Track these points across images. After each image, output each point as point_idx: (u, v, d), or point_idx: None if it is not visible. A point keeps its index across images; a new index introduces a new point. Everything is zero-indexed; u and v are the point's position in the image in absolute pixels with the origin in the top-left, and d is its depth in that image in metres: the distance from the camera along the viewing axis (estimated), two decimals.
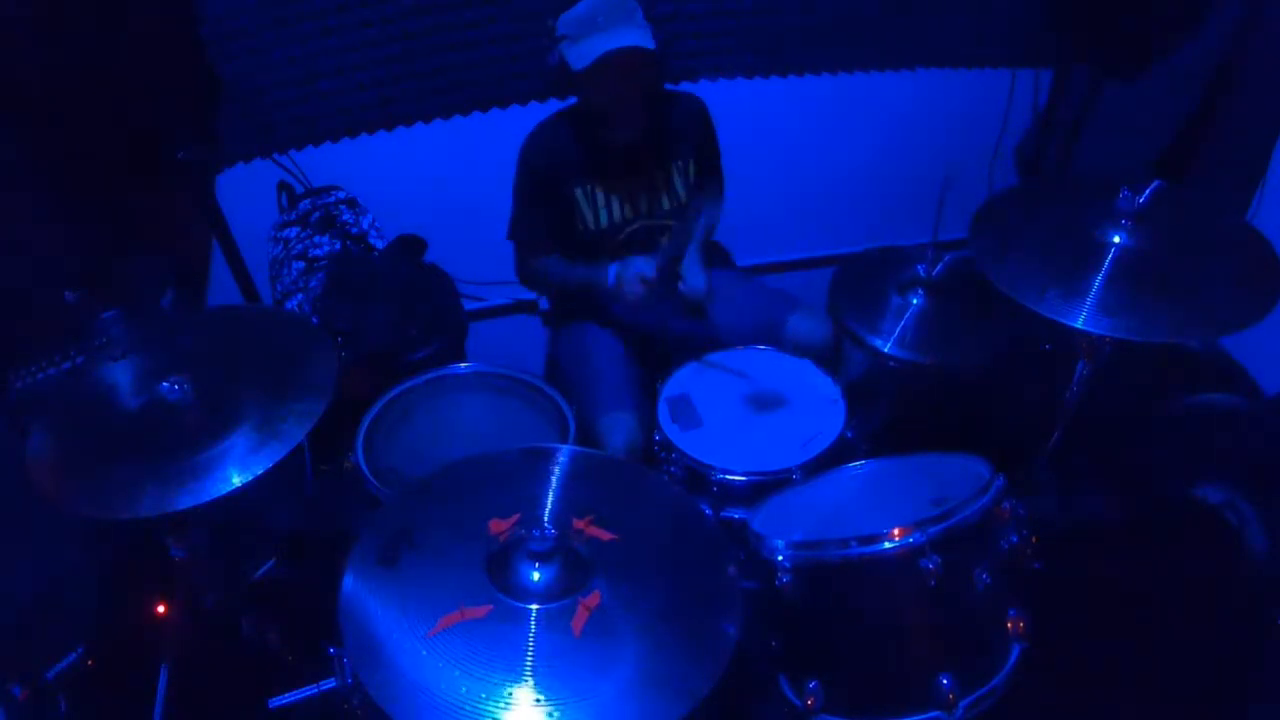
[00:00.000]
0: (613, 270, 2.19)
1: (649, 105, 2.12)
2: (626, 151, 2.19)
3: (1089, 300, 1.73)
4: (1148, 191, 1.81)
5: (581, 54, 1.95)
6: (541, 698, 1.21)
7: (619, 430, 2.13)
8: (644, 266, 2.13)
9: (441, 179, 2.76)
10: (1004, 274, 1.81)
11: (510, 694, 1.21)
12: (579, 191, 2.22)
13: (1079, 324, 1.70)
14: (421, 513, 1.52)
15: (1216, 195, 2.69)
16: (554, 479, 1.54)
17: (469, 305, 2.93)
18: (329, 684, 1.52)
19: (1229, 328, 1.74)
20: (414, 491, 1.64)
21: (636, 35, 1.94)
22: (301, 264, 2.58)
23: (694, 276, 2.33)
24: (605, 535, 1.44)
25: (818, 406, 2.09)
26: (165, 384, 1.61)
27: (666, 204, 2.28)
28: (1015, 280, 1.79)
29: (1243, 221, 2.02)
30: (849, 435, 2.02)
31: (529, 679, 1.23)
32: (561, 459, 1.59)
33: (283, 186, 2.69)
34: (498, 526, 1.42)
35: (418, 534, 1.43)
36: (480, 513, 1.48)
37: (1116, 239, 1.82)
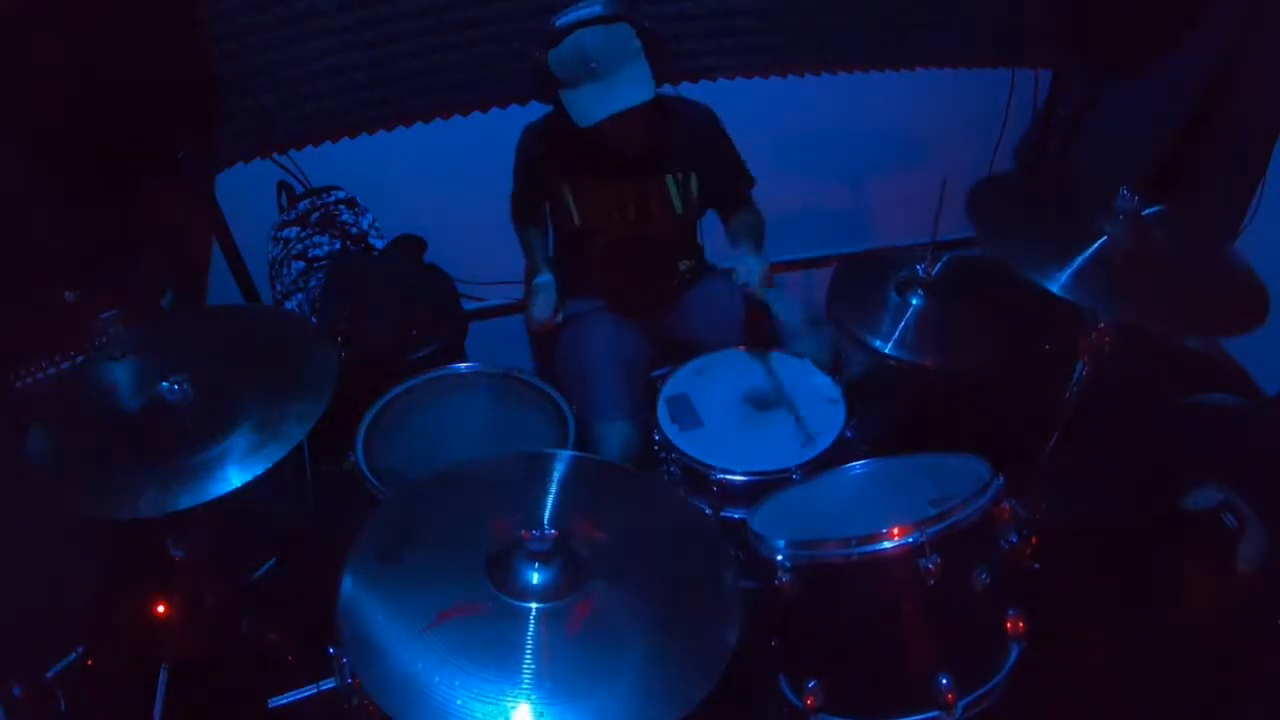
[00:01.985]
0: (538, 282, 2.28)
1: (648, 125, 2.08)
2: (619, 159, 2.18)
3: (1074, 272, 1.72)
4: (1155, 209, 1.81)
5: (581, 108, 1.92)
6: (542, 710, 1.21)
7: (614, 438, 2.13)
8: (541, 308, 2.22)
9: (441, 179, 2.76)
10: (1000, 241, 1.80)
11: (510, 697, 1.22)
12: (567, 189, 2.22)
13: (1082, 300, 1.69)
14: (423, 512, 1.52)
15: (1216, 196, 2.70)
16: (554, 482, 1.54)
17: (469, 305, 2.93)
18: (329, 684, 1.52)
19: (1189, 331, 1.74)
20: (415, 491, 1.65)
21: (636, 83, 1.90)
22: (301, 264, 2.59)
23: (748, 263, 2.19)
24: (603, 536, 1.44)
25: (818, 406, 2.09)
26: (165, 384, 1.61)
27: (659, 215, 2.27)
28: (1011, 246, 1.78)
29: (1229, 252, 2.01)
30: (849, 435, 2.02)
31: (529, 687, 1.23)
32: (561, 464, 1.59)
33: (283, 186, 2.69)
34: (499, 527, 1.42)
35: (419, 533, 1.43)
36: (481, 512, 1.48)
37: (1108, 229, 1.80)
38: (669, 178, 2.23)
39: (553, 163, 2.21)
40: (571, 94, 1.94)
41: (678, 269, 2.42)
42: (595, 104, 1.90)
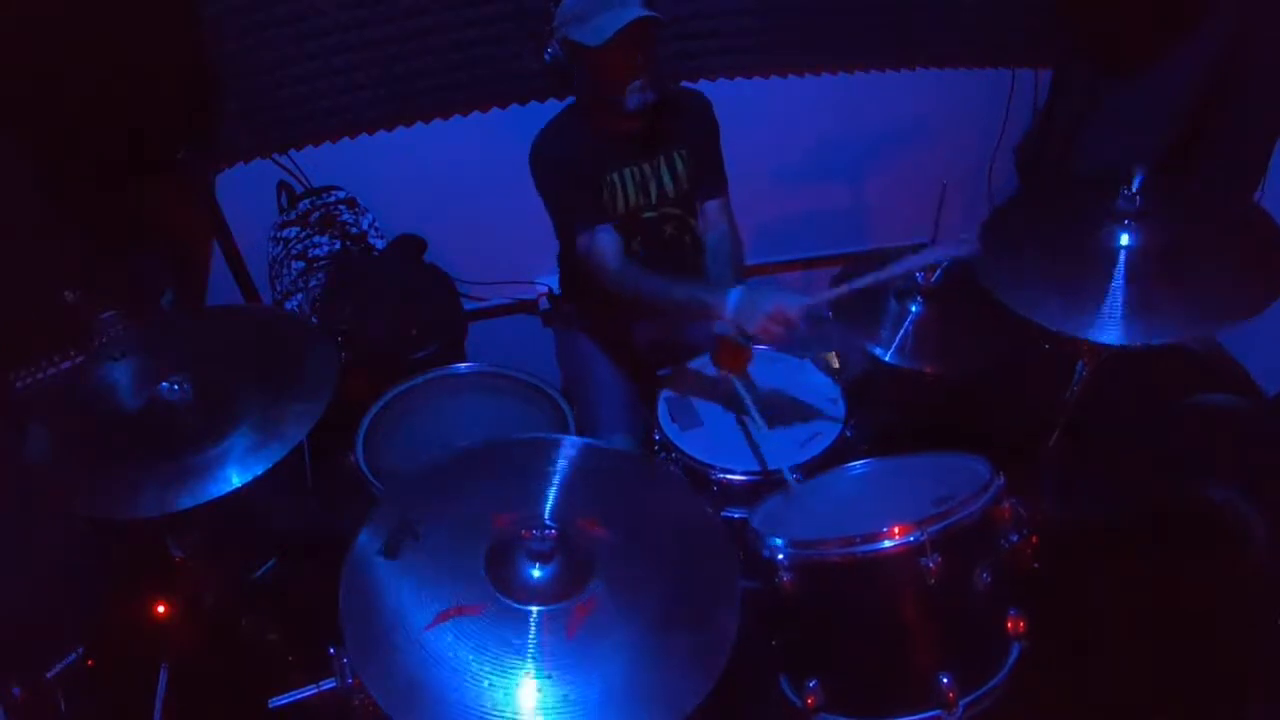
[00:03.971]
0: (734, 296, 1.85)
1: (656, 83, 2.07)
2: (632, 138, 2.18)
3: (1111, 311, 1.71)
4: (1136, 182, 1.80)
5: (598, 29, 1.93)
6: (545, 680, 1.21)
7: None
8: (786, 302, 1.78)
9: (441, 179, 2.76)
10: (1020, 298, 1.79)
11: (509, 696, 1.22)
12: (606, 176, 2.18)
13: (1110, 339, 1.68)
14: (424, 505, 1.52)
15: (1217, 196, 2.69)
16: (558, 473, 1.54)
17: (469, 305, 2.93)
18: (329, 684, 1.51)
19: (1239, 315, 1.71)
20: (417, 481, 1.64)
21: (645, 8, 1.93)
22: (301, 264, 2.59)
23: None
24: (604, 533, 1.44)
25: (818, 406, 2.09)
26: (165, 384, 1.61)
27: (671, 191, 2.27)
28: (1031, 302, 1.77)
29: (1250, 202, 1.98)
30: (849, 435, 2.02)
31: (528, 687, 1.23)
32: (566, 451, 1.58)
33: (283, 186, 2.69)
34: (500, 521, 1.42)
35: (420, 527, 1.43)
36: (483, 505, 1.48)
37: (1124, 239, 1.79)
38: (675, 153, 2.24)
39: (585, 153, 2.18)
40: (584, 25, 1.95)
41: (688, 255, 2.41)
42: (610, 21, 1.91)
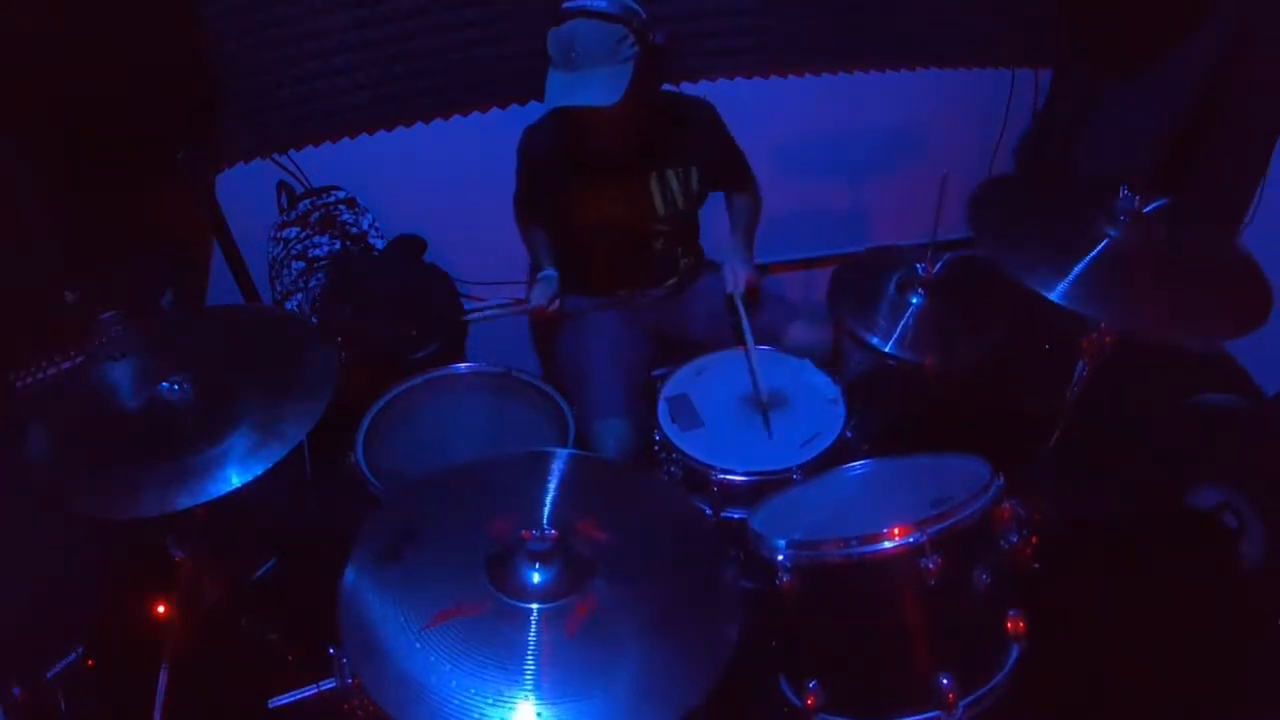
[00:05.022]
0: (542, 274, 2.39)
1: (628, 126, 2.09)
2: (617, 156, 2.18)
3: (1085, 282, 1.70)
4: (1152, 205, 1.79)
5: (550, 90, 1.96)
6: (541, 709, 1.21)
7: (611, 436, 2.13)
8: (539, 295, 2.32)
9: (441, 179, 2.75)
10: (1009, 256, 1.78)
11: (509, 697, 1.22)
12: (570, 187, 2.22)
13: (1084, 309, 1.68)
14: (424, 510, 1.52)
15: (1216, 196, 2.70)
16: (554, 480, 1.55)
17: (469, 305, 2.92)
18: (329, 684, 1.51)
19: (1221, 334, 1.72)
20: (417, 489, 1.65)
21: (604, 86, 1.91)
22: (301, 264, 2.58)
23: (733, 267, 2.28)
24: (604, 536, 1.44)
25: (818, 406, 2.09)
26: (165, 384, 1.61)
27: (662, 210, 2.27)
28: (1019, 260, 1.76)
29: (1234, 243, 1.99)
30: (849, 435, 2.02)
31: (529, 687, 1.23)
32: (561, 462, 1.59)
33: (283, 186, 2.69)
34: (500, 526, 1.42)
35: (420, 531, 1.43)
36: (482, 511, 1.48)
37: (1113, 233, 1.79)
38: (670, 171, 2.24)
39: (555, 161, 2.22)
40: (550, 73, 1.98)
41: (679, 264, 2.43)
42: (560, 91, 1.95)
